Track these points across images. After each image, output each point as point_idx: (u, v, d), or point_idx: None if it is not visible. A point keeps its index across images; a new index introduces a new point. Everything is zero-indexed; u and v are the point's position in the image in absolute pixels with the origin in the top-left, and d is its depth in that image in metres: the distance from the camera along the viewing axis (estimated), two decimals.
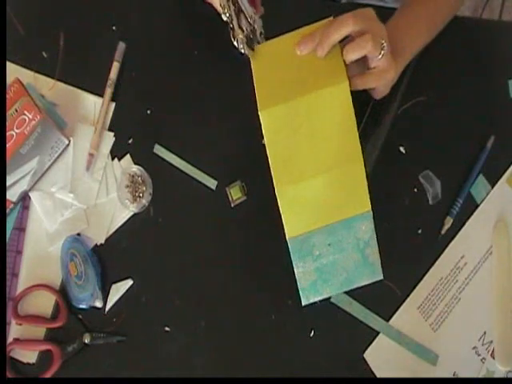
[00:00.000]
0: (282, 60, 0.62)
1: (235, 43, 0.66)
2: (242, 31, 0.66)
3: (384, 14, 0.79)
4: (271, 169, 0.62)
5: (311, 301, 0.68)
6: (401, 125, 0.77)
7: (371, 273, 0.67)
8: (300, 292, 0.67)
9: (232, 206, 0.75)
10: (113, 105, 0.78)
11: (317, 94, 0.60)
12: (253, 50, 0.64)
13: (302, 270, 0.66)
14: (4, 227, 0.73)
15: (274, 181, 0.62)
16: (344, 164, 0.62)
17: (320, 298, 0.68)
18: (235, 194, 0.75)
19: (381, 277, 0.68)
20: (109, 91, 0.78)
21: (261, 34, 0.70)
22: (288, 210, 0.64)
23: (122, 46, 0.79)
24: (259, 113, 0.60)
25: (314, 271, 0.67)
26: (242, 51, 0.65)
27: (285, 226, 0.64)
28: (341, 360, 0.71)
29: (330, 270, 0.67)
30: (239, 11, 0.67)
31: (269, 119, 0.60)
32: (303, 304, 0.68)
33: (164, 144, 0.77)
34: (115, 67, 0.79)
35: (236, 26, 0.66)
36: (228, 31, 0.66)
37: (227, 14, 0.66)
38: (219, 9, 0.67)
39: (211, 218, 0.75)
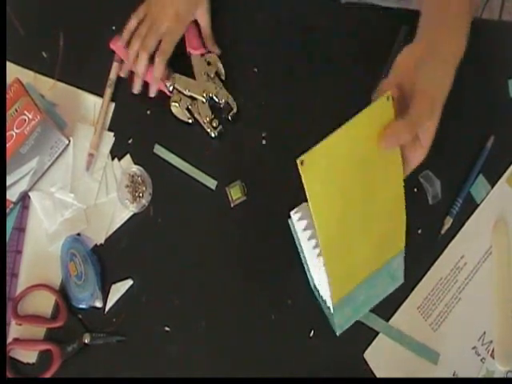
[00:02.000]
0: (330, 162, 0.49)
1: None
2: (204, 117, 0.74)
3: (383, 13, 0.80)
4: (322, 249, 0.54)
5: (344, 329, 0.69)
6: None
7: (395, 283, 0.70)
8: (336, 328, 0.68)
9: (232, 205, 0.75)
10: (113, 105, 0.78)
11: (370, 185, 0.54)
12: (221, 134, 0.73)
13: (340, 318, 0.66)
14: (4, 227, 0.73)
15: (324, 262, 0.56)
16: (386, 201, 0.58)
17: (352, 322, 0.69)
18: (235, 194, 0.75)
19: (402, 281, 0.70)
20: (109, 91, 0.78)
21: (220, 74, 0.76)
22: (335, 275, 0.57)
23: None
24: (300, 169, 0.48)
25: (352, 311, 0.67)
26: (211, 134, 0.73)
27: (331, 293, 0.59)
28: (341, 360, 0.71)
29: (364, 303, 0.68)
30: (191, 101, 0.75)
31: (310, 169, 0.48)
32: (338, 334, 0.69)
33: (164, 144, 0.77)
34: (115, 67, 0.79)
35: (196, 114, 0.75)
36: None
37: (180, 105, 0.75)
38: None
39: (211, 218, 0.75)
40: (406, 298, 0.73)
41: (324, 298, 0.66)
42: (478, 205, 0.76)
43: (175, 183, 0.76)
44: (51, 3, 0.82)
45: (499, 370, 0.71)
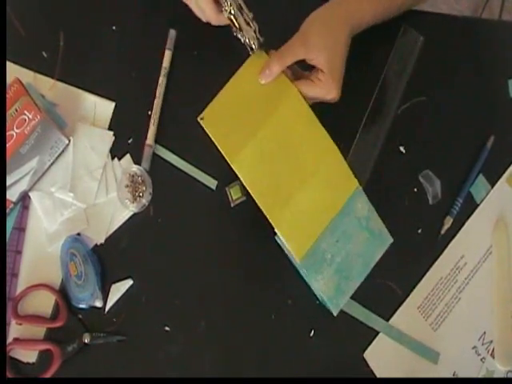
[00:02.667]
0: (229, 110, 0.63)
1: (246, 40, 0.65)
2: (250, 27, 0.66)
3: None
4: (260, 205, 0.62)
5: (341, 306, 0.68)
6: (401, 125, 0.77)
7: (382, 242, 0.68)
8: (327, 303, 0.67)
9: (232, 205, 0.75)
10: (113, 104, 0.78)
11: (273, 118, 0.62)
12: (262, 46, 0.65)
13: (322, 282, 0.66)
14: (4, 227, 0.73)
15: (266, 215, 0.63)
16: (321, 159, 0.63)
17: (348, 297, 0.68)
18: (235, 193, 0.75)
19: (391, 240, 0.69)
20: (163, 80, 0.78)
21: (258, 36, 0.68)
22: (289, 233, 0.64)
23: (172, 33, 0.79)
24: (231, 165, 0.61)
25: (334, 274, 0.66)
26: (254, 47, 0.65)
27: (292, 251, 0.64)
28: (341, 360, 0.71)
29: (347, 264, 0.66)
30: (240, 8, 0.66)
31: (241, 165, 0.62)
32: (335, 314, 0.68)
33: (164, 144, 0.77)
34: (167, 55, 0.79)
35: (243, 23, 0.65)
36: (231, 29, 0.66)
37: (231, 11, 0.65)
38: (211, 8, 0.66)
39: (211, 218, 0.75)
40: (406, 297, 0.73)
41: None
42: (478, 205, 0.76)
43: (175, 183, 0.76)
44: (51, 3, 0.82)
45: (499, 369, 0.71)
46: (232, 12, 0.66)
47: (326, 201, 0.65)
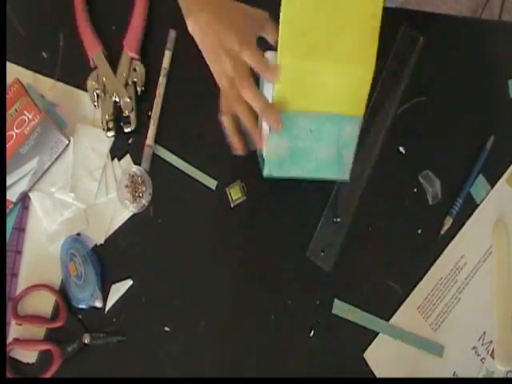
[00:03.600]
0: None
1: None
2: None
3: (383, 13, 0.80)
4: (279, 36, 0.58)
5: (274, 175, 0.66)
6: (401, 125, 0.77)
7: (340, 171, 0.67)
8: (265, 163, 0.66)
9: (232, 206, 0.75)
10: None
11: None
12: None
13: (274, 144, 0.64)
14: (4, 227, 0.73)
15: (278, 49, 0.59)
16: (356, 62, 0.61)
17: (283, 175, 0.66)
18: (235, 194, 0.75)
19: (347, 177, 0.67)
20: (163, 80, 0.78)
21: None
22: (284, 81, 0.61)
23: (172, 33, 0.80)
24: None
25: (287, 149, 0.65)
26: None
27: (274, 98, 0.62)
28: (340, 360, 0.71)
29: (302, 154, 0.65)
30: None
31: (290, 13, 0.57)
32: (264, 174, 0.66)
33: (164, 144, 0.77)
34: (167, 56, 0.79)
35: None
36: None
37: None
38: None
39: (211, 218, 0.75)
40: (406, 298, 0.73)
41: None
42: (478, 205, 0.76)
43: (175, 183, 0.76)
44: (51, 3, 0.82)
45: (499, 370, 0.71)
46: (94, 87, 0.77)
47: (330, 94, 0.62)
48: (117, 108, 0.77)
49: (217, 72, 0.63)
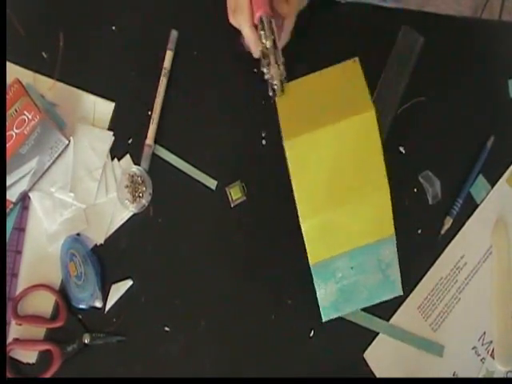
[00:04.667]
0: (305, 97, 0.63)
1: (270, 80, 0.63)
2: (278, 68, 0.63)
3: (383, 13, 0.80)
4: (296, 199, 0.62)
5: (331, 317, 0.69)
6: (401, 125, 0.77)
7: (392, 289, 0.69)
8: (321, 310, 0.69)
9: (232, 206, 0.75)
10: (112, 104, 0.78)
11: (343, 122, 0.60)
12: (283, 91, 0.64)
13: (323, 292, 0.67)
14: (4, 227, 0.73)
15: (299, 212, 0.63)
16: (370, 192, 0.63)
17: (340, 314, 0.70)
18: (235, 194, 0.75)
19: (401, 293, 0.70)
20: (164, 80, 0.78)
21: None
22: (311, 238, 0.64)
23: (174, 34, 0.79)
24: (284, 143, 0.60)
25: (336, 292, 0.68)
26: (275, 88, 0.63)
27: (308, 254, 0.65)
28: (341, 360, 0.71)
29: (351, 290, 0.68)
30: (275, 46, 0.64)
31: (294, 149, 0.61)
32: (323, 320, 0.69)
33: (164, 144, 0.77)
34: (169, 56, 0.79)
35: (273, 61, 0.63)
36: (260, 63, 0.64)
37: (267, 46, 0.64)
38: (251, 38, 0.64)
39: (211, 218, 0.75)
40: (406, 298, 0.73)
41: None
42: (478, 205, 0.76)
43: (175, 183, 0.76)
44: (51, 3, 0.82)
45: (499, 370, 0.71)
46: (267, 46, 0.64)
47: (356, 229, 0.65)
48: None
49: None
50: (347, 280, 0.67)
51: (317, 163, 0.61)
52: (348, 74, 0.63)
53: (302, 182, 0.62)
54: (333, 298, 0.68)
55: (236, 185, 0.75)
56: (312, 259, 0.66)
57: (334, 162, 0.61)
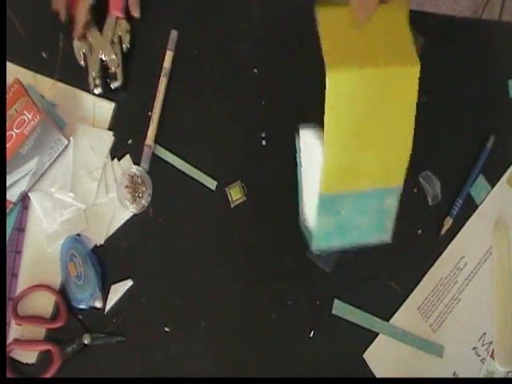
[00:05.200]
0: (349, 28, 0.59)
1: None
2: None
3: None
4: (325, 132, 0.60)
5: (320, 247, 0.68)
6: None
7: (381, 234, 0.68)
8: (313, 238, 0.68)
9: (232, 206, 0.75)
10: (112, 104, 0.78)
11: (390, 69, 0.57)
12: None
13: (322, 221, 0.66)
14: (4, 227, 0.73)
15: (325, 142, 0.61)
16: (393, 144, 0.63)
17: (329, 247, 0.69)
18: (235, 194, 0.75)
19: (389, 240, 0.68)
20: (164, 80, 0.78)
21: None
22: (332, 168, 0.63)
23: (174, 34, 0.80)
24: (327, 71, 0.56)
25: (333, 225, 0.67)
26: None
27: (322, 181, 0.64)
28: (340, 360, 0.71)
29: (346, 227, 0.67)
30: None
31: (336, 82, 0.57)
32: (313, 249, 0.68)
33: (164, 144, 0.77)
34: (168, 56, 0.79)
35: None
36: None
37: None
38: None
39: (211, 219, 0.75)
40: (406, 298, 0.73)
41: (308, 221, 0.68)
42: (478, 205, 0.76)
43: (175, 184, 0.76)
44: (51, 3, 0.82)
45: (499, 370, 0.71)
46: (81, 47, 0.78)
47: (372, 173, 0.64)
48: (103, 66, 0.78)
49: None
50: (347, 217, 0.66)
51: (352, 102, 0.59)
52: (394, 18, 0.60)
53: (335, 119, 0.59)
54: (328, 230, 0.67)
55: (236, 185, 0.75)
56: (324, 188, 0.64)
57: (369, 106, 0.60)
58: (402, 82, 0.58)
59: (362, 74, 0.57)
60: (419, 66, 0.57)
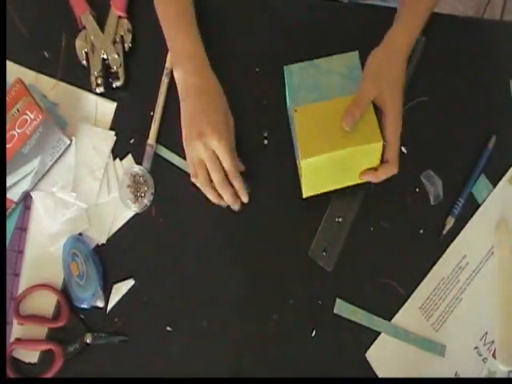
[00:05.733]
0: (322, 119, 0.67)
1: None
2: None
3: (385, 13, 0.80)
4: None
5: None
6: (402, 125, 0.77)
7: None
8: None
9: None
10: (114, 104, 0.79)
11: (355, 148, 0.65)
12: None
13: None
14: (4, 227, 0.73)
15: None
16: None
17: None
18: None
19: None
20: (165, 80, 0.79)
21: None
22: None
23: None
24: (301, 161, 0.66)
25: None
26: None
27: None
28: (342, 360, 0.71)
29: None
30: None
31: (308, 165, 0.67)
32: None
33: (166, 144, 0.77)
34: (170, 57, 0.79)
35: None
36: None
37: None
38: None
39: (212, 218, 0.75)
40: (408, 298, 0.73)
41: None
42: (480, 205, 0.76)
43: (177, 183, 0.76)
44: (53, 3, 0.82)
45: (501, 370, 0.71)
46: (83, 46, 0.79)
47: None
48: (105, 65, 0.79)
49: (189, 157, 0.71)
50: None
51: (325, 172, 0.70)
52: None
53: (311, 186, 0.71)
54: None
55: None
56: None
57: (339, 173, 0.71)
58: (368, 155, 0.68)
59: (331, 156, 0.66)
60: (382, 142, 0.66)
